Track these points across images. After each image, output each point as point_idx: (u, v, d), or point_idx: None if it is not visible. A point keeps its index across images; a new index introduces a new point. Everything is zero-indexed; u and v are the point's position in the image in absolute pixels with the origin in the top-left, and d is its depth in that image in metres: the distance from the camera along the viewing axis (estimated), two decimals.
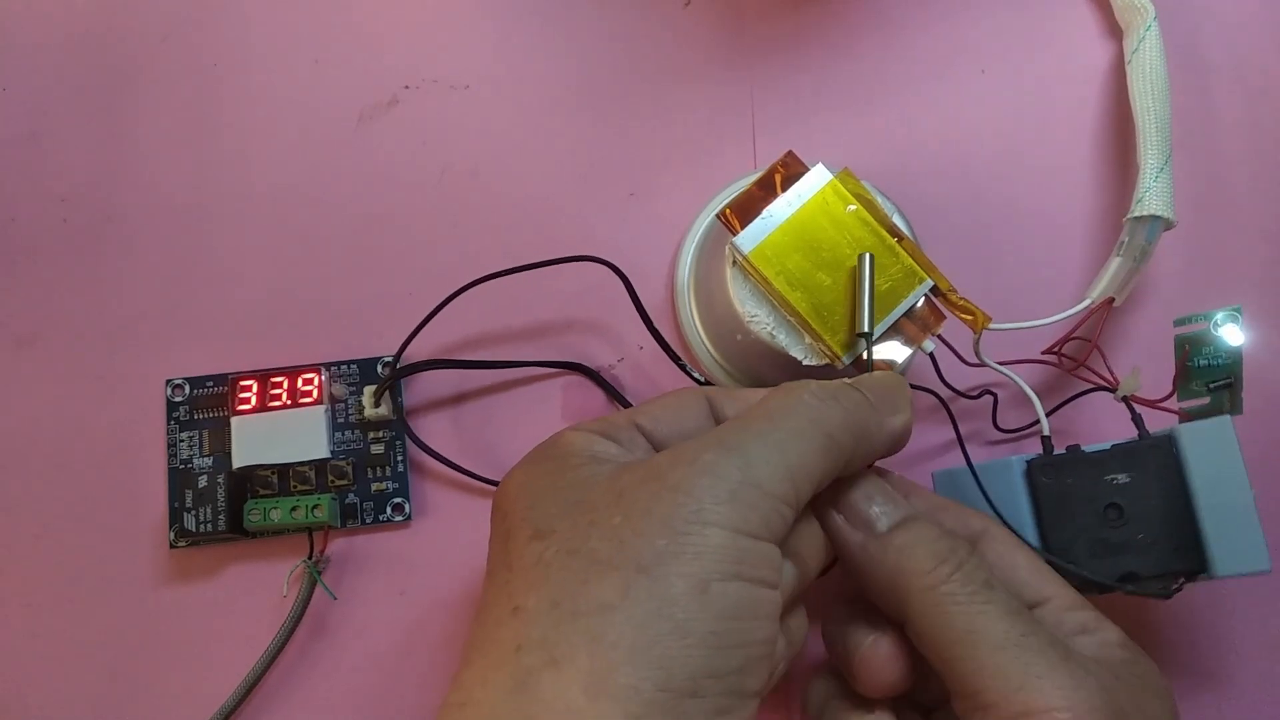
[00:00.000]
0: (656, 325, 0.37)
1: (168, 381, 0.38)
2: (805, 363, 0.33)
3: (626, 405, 0.38)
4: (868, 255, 0.32)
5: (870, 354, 0.32)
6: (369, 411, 0.37)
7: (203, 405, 0.38)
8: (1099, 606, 0.29)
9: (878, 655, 0.28)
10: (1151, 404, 0.33)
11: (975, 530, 0.30)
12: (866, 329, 0.32)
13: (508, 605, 0.24)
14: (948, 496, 0.32)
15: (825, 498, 0.28)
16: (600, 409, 0.38)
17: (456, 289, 0.37)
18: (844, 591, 0.31)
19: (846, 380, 0.28)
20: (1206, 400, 0.32)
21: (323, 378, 0.38)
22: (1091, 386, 0.35)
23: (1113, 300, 0.36)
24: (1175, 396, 0.33)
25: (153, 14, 0.41)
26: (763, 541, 0.24)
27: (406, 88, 0.41)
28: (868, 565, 0.27)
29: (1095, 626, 0.28)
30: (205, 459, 0.38)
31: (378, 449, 0.38)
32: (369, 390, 0.37)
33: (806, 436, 0.26)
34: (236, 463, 0.37)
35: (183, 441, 0.38)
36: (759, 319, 0.33)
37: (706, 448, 0.25)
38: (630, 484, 0.25)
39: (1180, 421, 0.32)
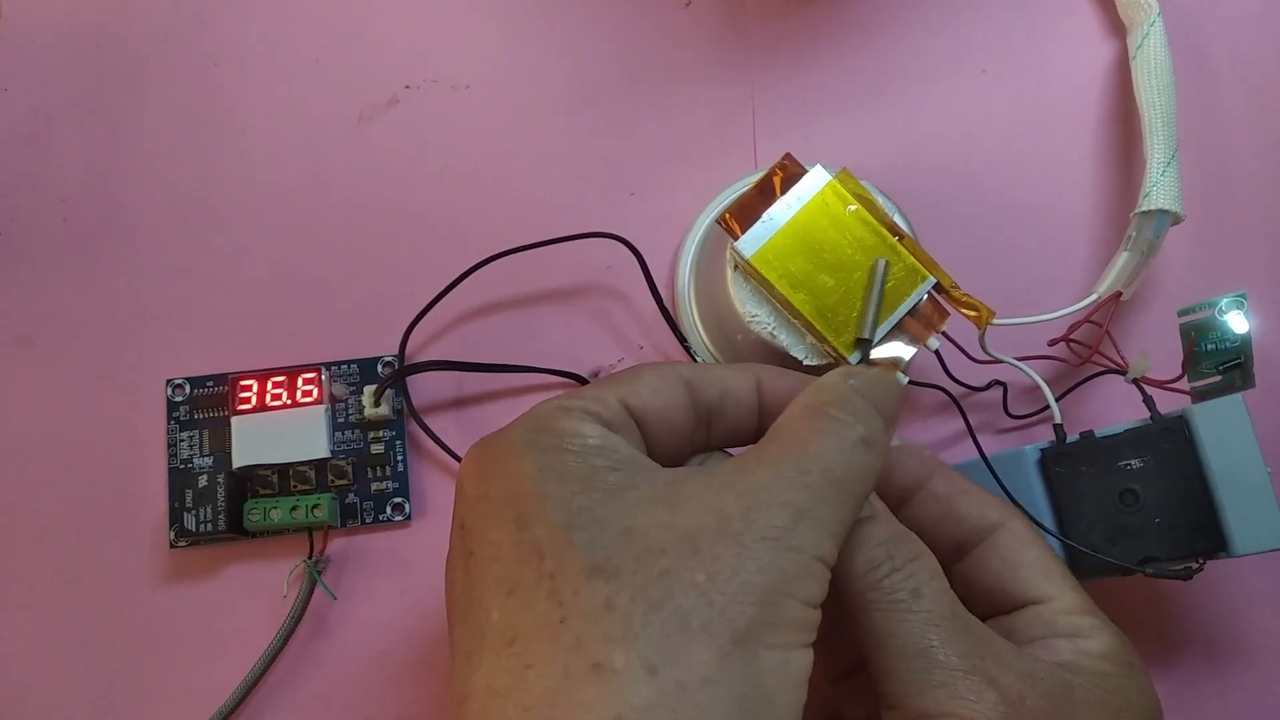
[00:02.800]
0: (657, 326, 0.37)
1: (168, 381, 0.38)
2: (806, 362, 0.33)
3: None
4: (883, 261, 0.32)
5: (866, 358, 0.32)
6: (369, 411, 0.37)
7: (203, 405, 0.38)
8: (1122, 588, 0.29)
9: None
10: (1162, 385, 0.33)
11: (991, 521, 0.30)
12: (867, 335, 0.32)
13: (581, 658, 0.21)
14: None
15: None
16: None
17: (459, 279, 0.38)
18: None
19: (870, 404, 0.27)
20: (1217, 379, 0.32)
21: (323, 378, 0.37)
22: (1101, 370, 0.35)
23: (1120, 295, 0.36)
24: (1185, 378, 0.33)
25: (153, 14, 0.41)
26: (817, 610, 0.24)
27: (407, 88, 0.41)
28: None
29: (1085, 633, 0.28)
30: (205, 459, 0.38)
31: (378, 449, 0.38)
32: (369, 390, 0.37)
33: (857, 502, 0.25)
34: (236, 462, 0.37)
35: (183, 441, 0.38)
36: (760, 319, 0.34)
37: (780, 512, 0.24)
38: (702, 534, 0.23)
39: (1192, 402, 0.32)
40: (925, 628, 0.26)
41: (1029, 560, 0.29)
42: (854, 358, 0.32)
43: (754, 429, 0.28)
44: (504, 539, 0.23)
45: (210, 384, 0.38)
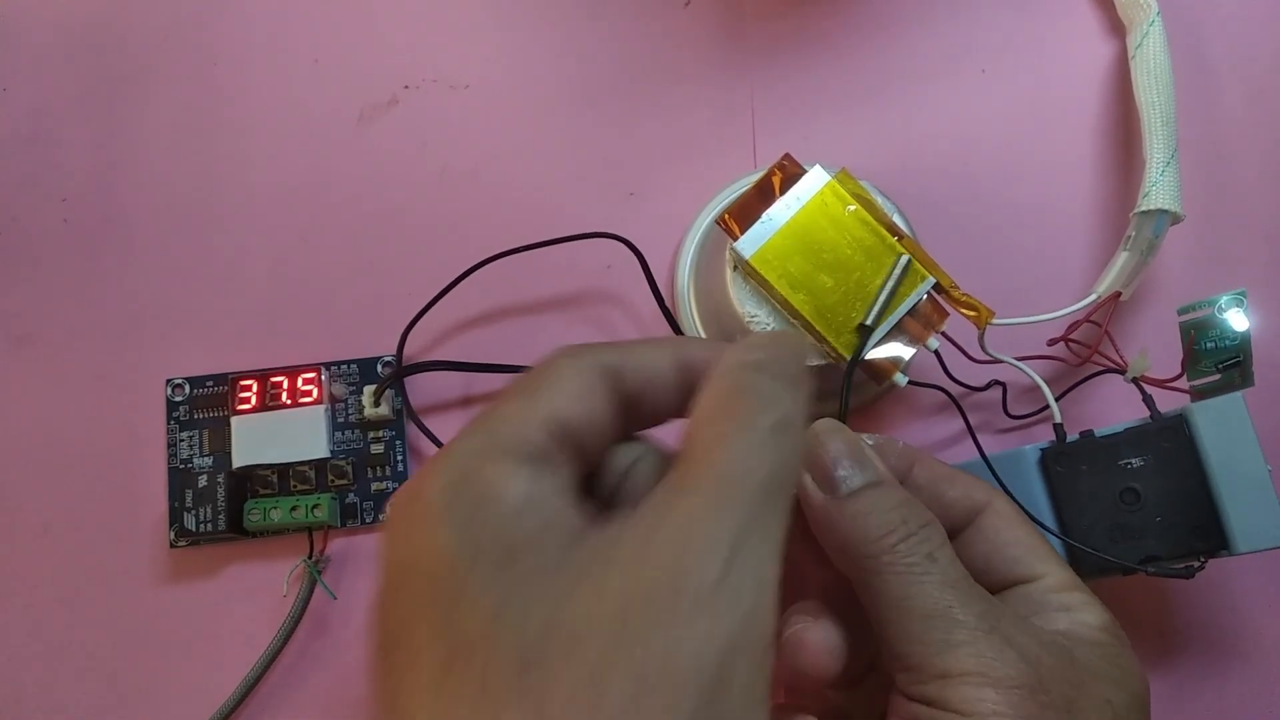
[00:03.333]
0: (657, 327, 0.37)
1: (168, 381, 0.38)
2: (806, 362, 0.33)
3: None
4: (904, 258, 0.32)
5: (864, 347, 0.32)
6: (369, 411, 0.37)
7: (203, 405, 0.38)
8: (1122, 587, 0.29)
9: (801, 640, 0.28)
10: (1162, 384, 0.33)
11: (978, 502, 0.30)
12: (870, 322, 0.32)
13: None
14: None
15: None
16: None
17: (458, 280, 0.38)
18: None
19: (773, 380, 0.25)
20: (1217, 377, 0.32)
21: (323, 377, 0.37)
22: (1100, 369, 0.35)
23: (1120, 294, 0.36)
24: (1185, 376, 0.33)
25: (153, 14, 0.41)
26: (769, 657, 0.23)
27: (406, 88, 0.41)
28: (825, 525, 0.28)
29: (1078, 607, 0.28)
30: (205, 458, 0.38)
31: (377, 449, 0.38)
32: (369, 390, 0.37)
33: (787, 495, 0.24)
34: (236, 462, 0.37)
35: (183, 441, 0.38)
36: (759, 319, 0.34)
37: (710, 563, 0.21)
38: (631, 612, 0.21)
39: (1192, 400, 0.32)
40: (943, 589, 0.26)
41: (1015, 539, 0.29)
42: (887, 353, 0.32)
43: (677, 407, 0.27)
44: (427, 633, 0.22)
45: (210, 384, 0.38)
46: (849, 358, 0.32)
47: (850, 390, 0.32)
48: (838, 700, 0.32)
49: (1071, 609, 0.28)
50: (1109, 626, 0.28)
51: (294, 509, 0.36)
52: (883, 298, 0.32)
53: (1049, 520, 0.33)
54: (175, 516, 0.37)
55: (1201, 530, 0.31)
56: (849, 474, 0.28)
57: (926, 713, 0.25)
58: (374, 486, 0.38)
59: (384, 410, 0.37)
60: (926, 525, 0.27)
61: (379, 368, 0.38)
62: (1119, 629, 0.28)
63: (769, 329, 0.33)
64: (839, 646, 0.29)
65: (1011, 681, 0.24)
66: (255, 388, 0.37)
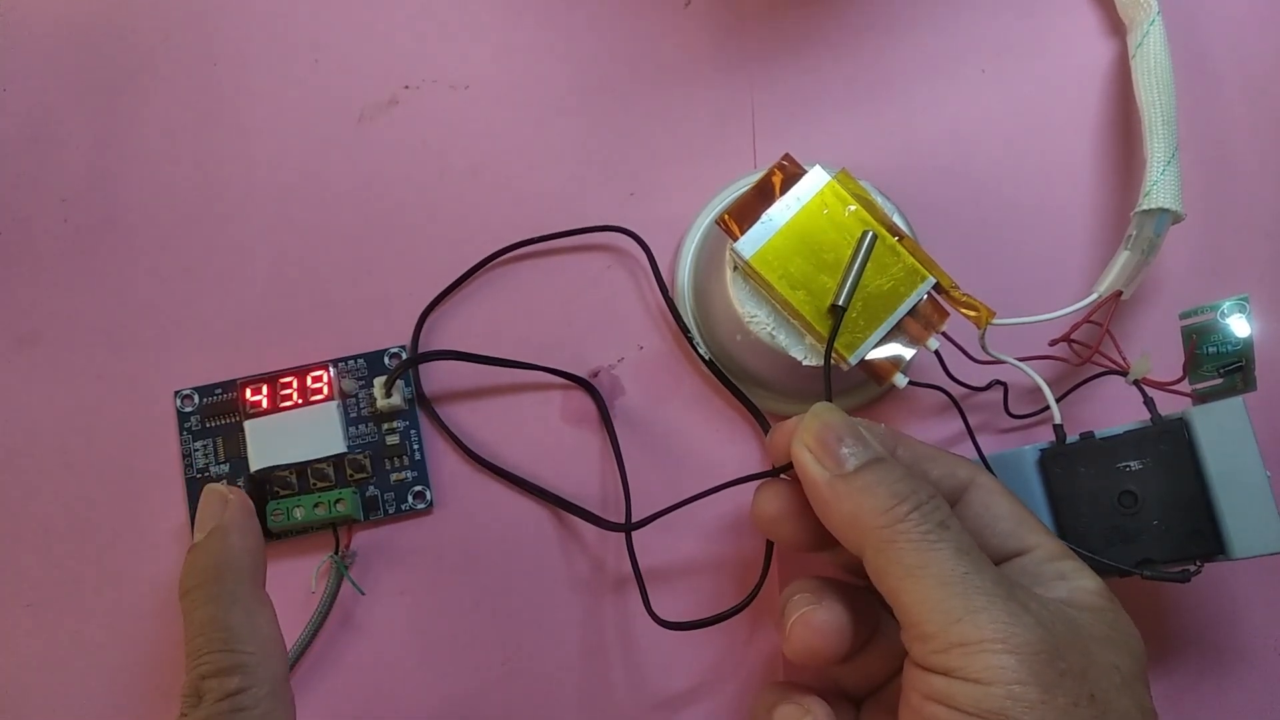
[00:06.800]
0: (656, 327, 0.37)
1: (176, 393, 0.38)
2: (805, 363, 0.33)
3: (611, 427, 0.38)
4: (870, 234, 0.33)
5: (837, 327, 0.32)
6: (381, 403, 0.37)
7: (214, 413, 0.38)
8: (1118, 590, 0.30)
9: (809, 622, 0.29)
10: (1163, 386, 0.33)
11: (963, 479, 0.31)
12: (841, 302, 0.32)
13: None
14: None
15: (798, 433, 0.29)
16: (596, 417, 0.39)
17: (474, 268, 0.38)
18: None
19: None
20: (1219, 381, 0.32)
21: (331, 374, 0.37)
22: (1102, 371, 0.35)
23: (1120, 294, 0.36)
24: (1187, 380, 0.33)
25: (154, 14, 0.41)
26: None
27: (406, 88, 0.40)
28: (832, 501, 0.28)
29: (1073, 575, 0.29)
30: (222, 465, 0.38)
31: (393, 439, 0.38)
32: (379, 381, 0.37)
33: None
34: (254, 466, 0.36)
35: (197, 450, 0.38)
36: (759, 320, 0.34)
37: None
38: None
39: (1194, 404, 0.32)
40: (958, 556, 0.26)
41: (1004, 513, 0.30)
42: (853, 359, 0.33)
43: None
44: None
45: (219, 391, 0.38)
46: (848, 358, 0.33)
47: (831, 372, 0.32)
48: (836, 675, 0.33)
49: (1068, 576, 0.29)
50: (1104, 590, 0.29)
51: (317, 505, 0.36)
52: (851, 275, 0.32)
53: (1047, 521, 0.33)
54: None
55: (1199, 535, 0.31)
56: (852, 451, 0.28)
57: (943, 683, 0.25)
58: (393, 477, 0.38)
59: (396, 400, 0.37)
60: (935, 495, 0.28)
61: (386, 359, 0.38)
62: (1111, 592, 0.29)
63: (768, 329, 0.34)
64: (846, 625, 0.30)
65: (1031, 648, 0.25)
66: (265, 390, 0.37)
